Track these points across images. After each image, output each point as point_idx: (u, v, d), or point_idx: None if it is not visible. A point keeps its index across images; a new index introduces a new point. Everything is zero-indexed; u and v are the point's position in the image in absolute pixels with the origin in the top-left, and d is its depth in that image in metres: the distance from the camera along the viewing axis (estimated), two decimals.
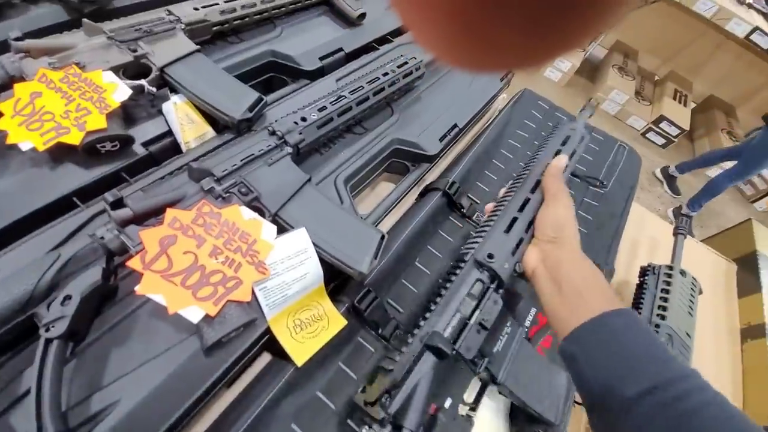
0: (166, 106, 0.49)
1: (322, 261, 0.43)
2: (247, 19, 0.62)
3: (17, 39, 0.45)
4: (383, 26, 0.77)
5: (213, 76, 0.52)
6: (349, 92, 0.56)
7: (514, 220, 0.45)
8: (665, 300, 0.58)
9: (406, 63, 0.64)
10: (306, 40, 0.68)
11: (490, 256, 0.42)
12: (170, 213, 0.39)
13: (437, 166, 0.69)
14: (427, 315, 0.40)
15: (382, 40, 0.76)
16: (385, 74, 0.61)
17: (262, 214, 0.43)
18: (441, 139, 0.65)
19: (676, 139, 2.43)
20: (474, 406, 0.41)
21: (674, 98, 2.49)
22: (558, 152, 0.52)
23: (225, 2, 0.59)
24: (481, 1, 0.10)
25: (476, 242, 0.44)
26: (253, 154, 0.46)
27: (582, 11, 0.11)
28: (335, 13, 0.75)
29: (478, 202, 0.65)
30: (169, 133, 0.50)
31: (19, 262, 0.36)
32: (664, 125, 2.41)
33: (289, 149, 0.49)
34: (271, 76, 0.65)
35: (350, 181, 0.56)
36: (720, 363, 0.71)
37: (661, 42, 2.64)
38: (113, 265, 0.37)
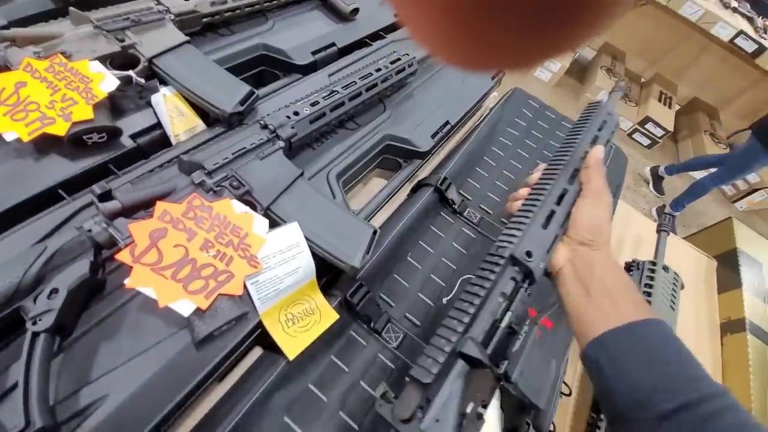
0: (155, 98, 0.49)
1: (315, 255, 0.43)
2: (238, 11, 0.62)
3: (2, 27, 0.44)
4: (376, 22, 0.77)
5: (204, 68, 0.51)
6: (342, 87, 0.56)
7: (552, 213, 0.41)
8: (648, 294, 0.60)
9: (399, 59, 0.64)
10: (298, 34, 0.68)
11: (529, 254, 0.38)
12: (160, 206, 0.38)
13: (429, 162, 0.69)
14: (464, 318, 0.36)
15: (375, 36, 0.76)
16: (378, 70, 0.61)
17: (254, 207, 0.43)
18: (433, 136, 0.65)
19: (660, 140, 2.48)
20: (486, 404, 0.40)
21: (659, 100, 2.54)
22: (596, 138, 0.48)
23: None
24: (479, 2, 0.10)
25: (514, 236, 0.40)
26: (244, 148, 0.45)
27: (577, 13, 0.11)
28: (328, 8, 0.75)
29: (470, 198, 0.66)
30: (158, 125, 0.49)
31: (4, 255, 0.35)
32: (649, 126, 2.46)
33: (282, 143, 0.49)
34: (263, 69, 0.65)
35: (342, 176, 0.56)
36: (700, 356, 0.72)
37: (648, 45, 2.69)
38: (101, 259, 0.37)
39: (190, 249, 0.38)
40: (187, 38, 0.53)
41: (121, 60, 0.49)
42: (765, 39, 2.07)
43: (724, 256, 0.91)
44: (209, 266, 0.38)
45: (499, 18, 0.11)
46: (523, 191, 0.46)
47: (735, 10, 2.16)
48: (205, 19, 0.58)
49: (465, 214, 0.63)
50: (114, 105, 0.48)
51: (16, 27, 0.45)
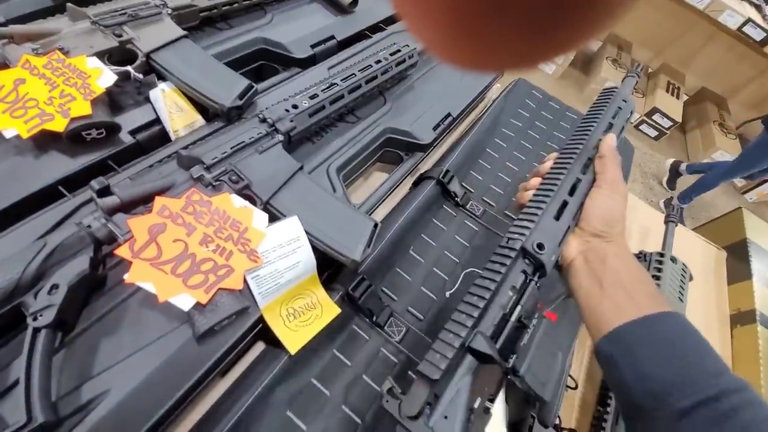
0: (154, 94, 0.48)
1: (315, 249, 0.43)
2: (236, 4, 0.61)
3: (0, 25, 0.44)
4: (376, 14, 0.76)
5: (202, 63, 0.51)
6: (341, 80, 0.56)
7: (565, 204, 0.40)
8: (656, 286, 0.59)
9: (399, 51, 0.63)
10: (297, 27, 0.67)
11: (540, 246, 0.37)
12: (159, 201, 0.38)
13: (431, 155, 0.69)
14: (474, 313, 0.35)
15: (375, 28, 0.75)
16: (378, 62, 0.60)
17: (253, 202, 0.43)
18: (434, 128, 0.64)
19: (668, 132, 2.44)
20: (493, 398, 0.39)
21: (667, 90, 2.50)
22: (610, 126, 0.47)
23: None
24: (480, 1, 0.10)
25: (526, 228, 0.39)
26: (243, 142, 0.45)
27: (579, 13, 0.10)
28: (327, 0, 0.74)
29: (472, 191, 0.65)
30: (157, 121, 0.49)
31: (4, 252, 0.35)
32: (656, 117, 2.42)
33: (281, 137, 0.48)
34: (262, 64, 0.64)
35: (343, 170, 0.55)
36: None
37: (655, 34, 2.64)
38: (101, 254, 0.37)
39: (189, 244, 0.37)
40: (185, 33, 0.52)
41: (119, 55, 0.49)
42: None
43: (733, 246, 0.90)
44: (209, 261, 0.37)
45: (499, 17, 0.10)
46: (534, 181, 0.45)
47: None
48: (202, 14, 0.58)
49: (468, 206, 0.62)
50: (112, 101, 0.47)
51: (14, 24, 0.45)
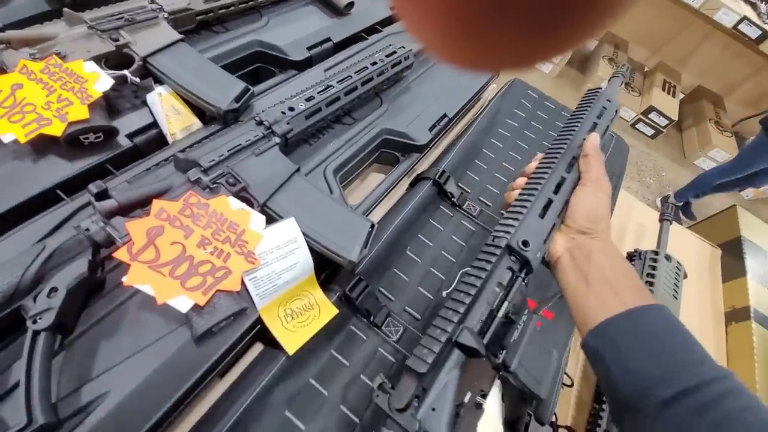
0: (151, 97, 0.49)
1: (313, 251, 0.43)
2: (232, 8, 0.61)
3: None
4: (372, 15, 0.76)
5: (198, 66, 0.51)
6: (337, 82, 0.56)
7: (549, 202, 0.41)
8: (650, 284, 0.60)
9: (395, 52, 0.64)
10: (293, 29, 0.67)
11: (525, 243, 0.38)
12: (157, 204, 0.38)
13: (427, 156, 0.69)
14: (460, 308, 0.36)
15: (371, 30, 0.75)
16: (374, 64, 0.61)
17: (250, 204, 0.43)
18: (430, 129, 0.65)
19: (664, 130, 2.45)
20: (485, 393, 0.40)
21: (663, 89, 2.51)
22: (594, 126, 0.48)
23: None
24: (479, 0, 0.10)
25: (510, 226, 0.40)
26: (240, 145, 0.45)
27: (582, 12, 0.10)
28: (322, 2, 0.75)
29: (469, 191, 0.66)
30: (155, 124, 0.49)
31: (4, 255, 0.35)
32: (653, 116, 2.43)
33: (277, 139, 0.49)
34: (258, 66, 0.65)
35: (339, 171, 0.56)
36: (704, 345, 0.72)
37: (651, 33, 2.65)
38: (100, 257, 0.37)
39: (187, 246, 0.38)
40: (182, 36, 0.53)
41: (116, 59, 0.49)
42: None
43: (728, 244, 0.90)
44: (206, 263, 0.38)
45: (498, 17, 0.10)
46: (520, 181, 0.46)
47: None
48: (199, 17, 0.58)
49: (464, 206, 0.63)
50: (110, 105, 0.48)
51: (11, 29, 0.45)
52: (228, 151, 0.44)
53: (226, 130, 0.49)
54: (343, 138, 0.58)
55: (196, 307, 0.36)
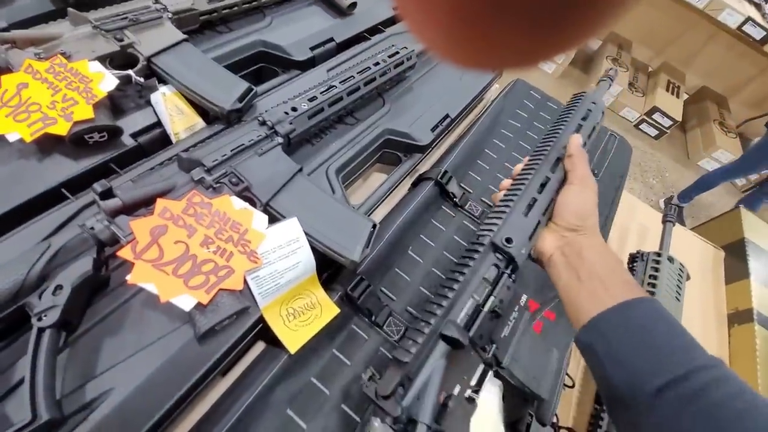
0: (155, 97, 0.49)
1: (315, 250, 0.43)
2: (235, 8, 0.62)
3: (3, 30, 0.45)
4: (374, 16, 0.77)
5: (202, 66, 0.52)
6: (340, 82, 0.56)
7: (534, 201, 0.42)
8: (653, 286, 0.59)
9: (397, 53, 0.64)
10: (296, 29, 0.68)
11: (509, 240, 0.40)
12: (160, 203, 0.39)
13: (430, 156, 0.69)
14: (443, 302, 0.38)
15: (374, 30, 0.75)
16: (377, 64, 0.61)
17: (253, 204, 0.43)
18: (433, 129, 0.65)
19: (668, 131, 2.44)
20: (477, 389, 0.41)
21: (667, 89, 2.50)
22: (579, 127, 0.49)
23: None
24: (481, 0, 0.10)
25: (494, 224, 0.42)
26: (243, 144, 0.46)
27: (584, 11, 0.10)
28: (325, 3, 0.75)
29: (471, 191, 0.66)
30: (158, 124, 0.49)
31: (9, 253, 0.35)
32: (657, 116, 2.42)
33: (280, 139, 0.49)
34: (261, 66, 0.65)
35: (342, 171, 0.56)
36: (707, 347, 0.72)
37: (655, 33, 2.64)
38: (104, 256, 0.37)
39: (190, 245, 0.38)
40: (185, 36, 0.53)
41: (121, 59, 0.50)
42: None
43: (731, 246, 0.90)
44: (209, 262, 0.38)
45: (501, 16, 0.10)
46: (506, 183, 0.47)
47: None
48: (202, 17, 0.58)
49: (466, 207, 0.63)
50: (114, 104, 0.48)
51: (17, 29, 0.46)
52: (231, 150, 0.45)
53: (230, 129, 0.49)
54: (346, 138, 0.58)
55: (199, 306, 0.36)
